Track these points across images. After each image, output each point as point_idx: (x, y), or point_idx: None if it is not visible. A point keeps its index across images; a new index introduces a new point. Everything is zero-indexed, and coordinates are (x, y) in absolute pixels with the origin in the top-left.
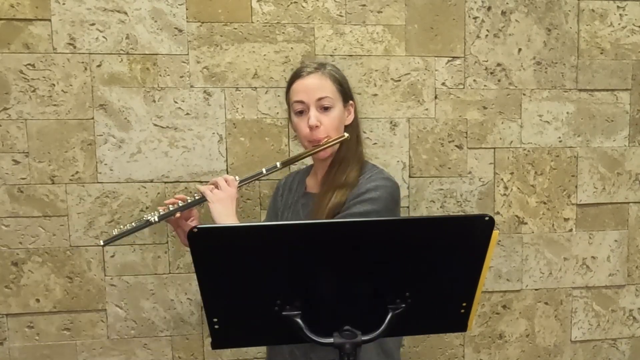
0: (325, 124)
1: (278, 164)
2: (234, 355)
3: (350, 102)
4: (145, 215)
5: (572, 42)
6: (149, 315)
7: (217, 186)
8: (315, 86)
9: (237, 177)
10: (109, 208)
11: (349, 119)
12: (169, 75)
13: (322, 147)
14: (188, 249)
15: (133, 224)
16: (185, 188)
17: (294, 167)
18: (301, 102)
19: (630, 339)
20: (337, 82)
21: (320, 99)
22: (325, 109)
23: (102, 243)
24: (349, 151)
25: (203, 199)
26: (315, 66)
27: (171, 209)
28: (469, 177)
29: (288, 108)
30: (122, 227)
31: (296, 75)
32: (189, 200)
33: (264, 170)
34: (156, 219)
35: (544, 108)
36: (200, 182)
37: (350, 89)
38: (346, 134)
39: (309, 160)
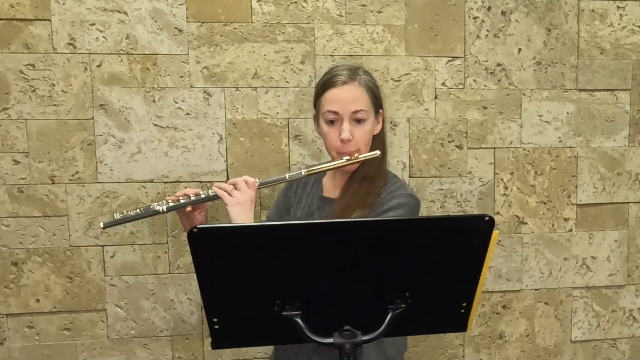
0: (357, 137)
1: (303, 171)
2: (234, 355)
3: (381, 111)
4: (153, 204)
5: (572, 42)
6: (149, 315)
7: (236, 187)
8: (350, 99)
9: (258, 180)
10: (109, 208)
11: (378, 129)
12: (169, 75)
13: (352, 162)
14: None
15: (138, 210)
16: (185, 188)
17: (294, 168)
18: (335, 112)
19: (630, 339)
20: (372, 93)
21: (355, 112)
22: (358, 121)
23: (102, 225)
24: (373, 167)
25: (215, 197)
26: (349, 75)
27: (182, 201)
28: (469, 177)
29: (316, 113)
30: (125, 212)
31: (330, 84)
32: (202, 196)
33: (287, 176)
34: (164, 209)
35: (544, 108)
36: (200, 182)
37: (381, 95)
38: (378, 152)
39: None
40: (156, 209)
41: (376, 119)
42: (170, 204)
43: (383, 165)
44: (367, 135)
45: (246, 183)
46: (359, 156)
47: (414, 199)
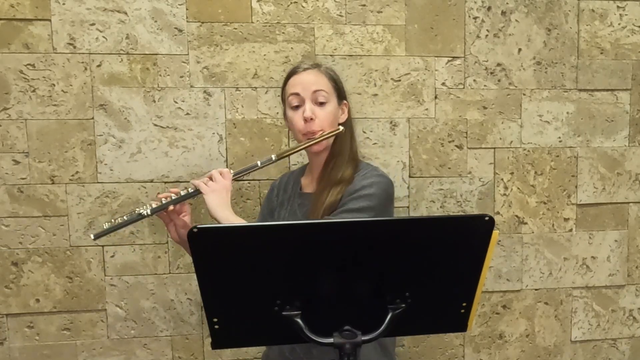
0: (320, 117)
1: (273, 156)
2: (234, 355)
3: (344, 101)
4: (137, 209)
5: (572, 42)
6: (149, 315)
7: (211, 178)
8: (311, 80)
9: (231, 170)
10: (109, 208)
11: (343, 118)
12: (169, 75)
13: (316, 140)
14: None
15: (125, 217)
16: (185, 188)
17: (294, 167)
18: (297, 94)
19: (630, 339)
20: (333, 80)
21: (315, 91)
22: (321, 103)
23: (92, 237)
24: (343, 146)
25: (197, 192)
26: (311, 64)
27: (164, 202)
28: (469, 177)
29: (283, 105)
30: (113, 220)
31: (292, 72)
32: (182, 194)
33: (258, 163)
34: (149, 212)
35: (544, 108)
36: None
37: (344, 90)
38: (341, 127)
39: (303, 160)
40: (141, 212)
41: (340, 107)
42: (154, 206)
43: (353, 148)
44: (330, 117)
45: (221, 174)
46: (322, 135)
47: (385, 178)
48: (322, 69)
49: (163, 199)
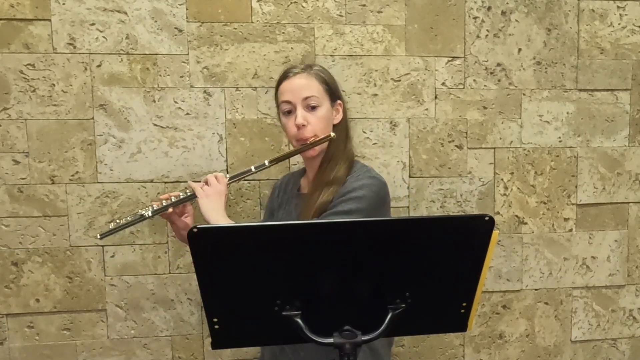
0: (312, 122)
1: (266, 162)
2: (234, 355)
3: (338, 101)
4: (139, 210)
5: (572, 42)
6: (149, 315)
7: (207, 183)
8: (301, 86)
9: (227, 175)
10: (109, 208)
11: (337, 118)
12: (169, 75)
13: (308, 146)
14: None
15: (128, 218)
16: (185, 188)
17: (294, 167)
18: (288, 102)
19: (630, 339)
20: (324, 82)
21: (306, 98)
22: (312, 108)
23: (98, 236)
24: (337, 150)
25: (194, 195)
26: (302, 67)
27: (164, 204)
28: (469, 177)
29: (277, 109)
30: (117, 221)
31: (283, 77)
32: (182, 196)
33: (252, 168)
34: (150, 214)
35: (544, 108)
36: (198, 181)
37: (338, 89)
38: (332, 133)
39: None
40: (143, 213)
41: (334, 108)
42: (155, 208)
43: (347, 149)
44: (322, 122)
45: (216, 178)
46: (314, 140)
47: (378, 180)
48: (312, 72)
49: (164, 200)
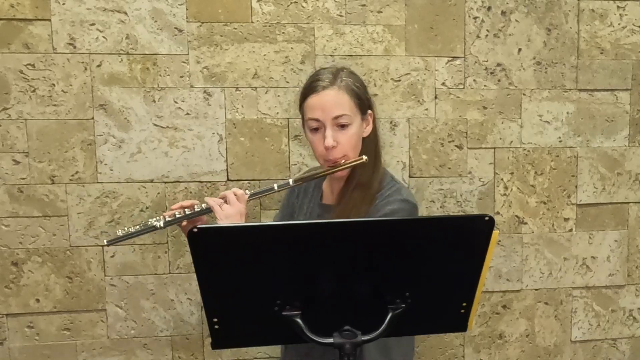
0: (343, 142)
1: (291, 181)
2: (234, 355)
3: (369, 112)
4: (150, 220)
5: (572, 42)
6: (149, 315)
7: (226, 200)
8: (331, 104)
9: (247, 191)
10: (109, 208)
11: (367, 131)
12: (169, 75)
13: (338, 169)
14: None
15: (138, 227)
16: (185, 188)
17: (293, 166)
18: (316, 119)
19: (630, 339)
20: (355, 96)
21: (337, 117)
22: (342, 126)
23: (105, 242)
24: (366, 171)
25: (209, 210)
26: (330, 79)
27: (177, 216)
28: (469, 177)
29: (302, 119)
30: (126, 228)
31: (310, 90)
32: (196, 209)
33: (275, 187)
34: (161, 225)
35: (544, 108)
36: (200, 182)
37: (369, 97)
38: (364, 157)
39: (304, 161)
40: (154, 224)
41: (364, 120)
42: (167, 219)
43: (377, 168)
44: (352, 140)
45: (235, 195)
46: (345, 163)
47: (409, 204)
48: (343, 85)
49: (176, 212)
